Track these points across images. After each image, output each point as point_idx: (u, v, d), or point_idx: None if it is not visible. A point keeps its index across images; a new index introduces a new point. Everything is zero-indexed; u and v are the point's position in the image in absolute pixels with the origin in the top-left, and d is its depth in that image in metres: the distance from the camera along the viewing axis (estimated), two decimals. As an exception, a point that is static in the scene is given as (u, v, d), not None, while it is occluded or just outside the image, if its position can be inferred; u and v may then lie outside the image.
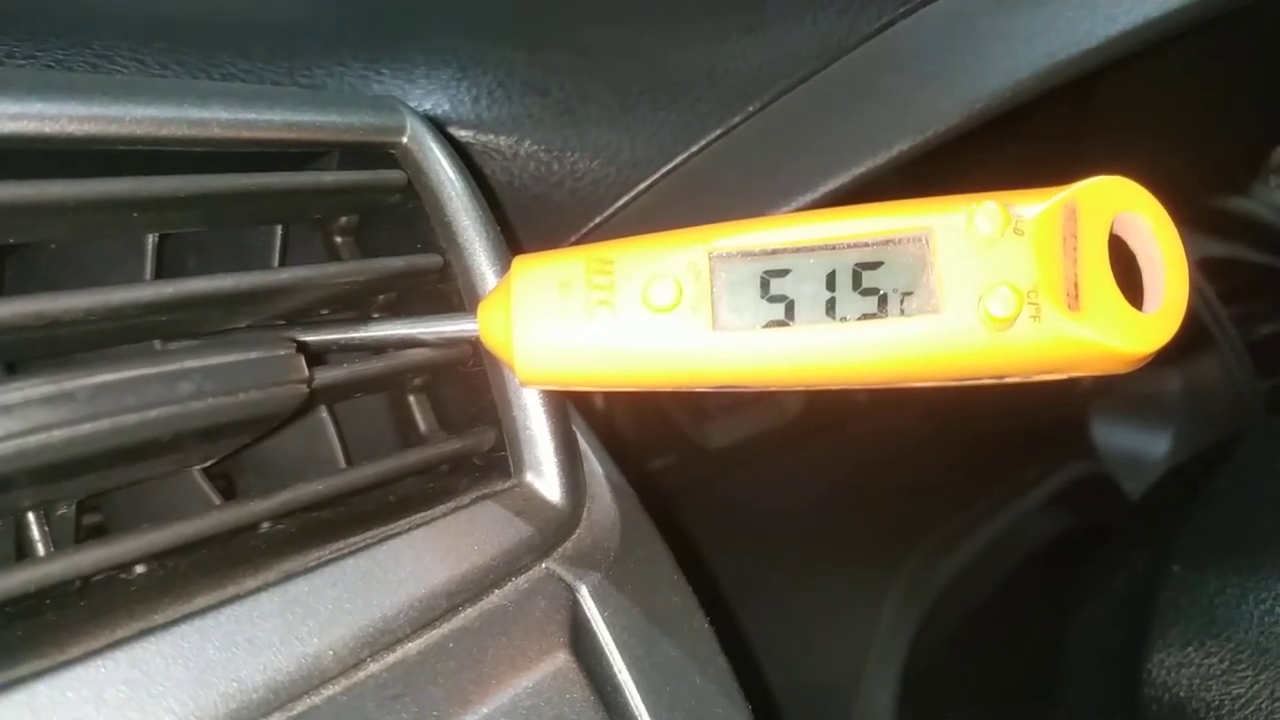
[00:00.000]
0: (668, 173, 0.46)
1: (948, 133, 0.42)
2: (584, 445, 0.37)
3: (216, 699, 0.24)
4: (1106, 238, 0.29)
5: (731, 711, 0.33)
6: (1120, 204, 0.30)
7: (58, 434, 0.21)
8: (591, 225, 0.47)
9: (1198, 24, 0.41)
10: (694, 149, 0.45)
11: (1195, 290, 1.10)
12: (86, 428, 0.22)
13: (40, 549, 0.28)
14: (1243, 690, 0.48)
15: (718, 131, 0.45)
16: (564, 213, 0.46)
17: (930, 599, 0.74)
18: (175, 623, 0.24)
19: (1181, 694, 0.48)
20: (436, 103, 0.44)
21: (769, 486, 0.87)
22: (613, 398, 0.73)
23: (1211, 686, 0.47)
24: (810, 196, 0.43)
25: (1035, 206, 0.29)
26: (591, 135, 0.46)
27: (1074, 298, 0.28)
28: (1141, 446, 1.04)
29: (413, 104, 0.43)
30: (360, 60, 0.43)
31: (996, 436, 0.94)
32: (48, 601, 0.26)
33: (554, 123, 0.46)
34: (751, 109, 0.45)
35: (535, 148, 0.46)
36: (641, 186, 0.46)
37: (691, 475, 0.86)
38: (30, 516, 0.27)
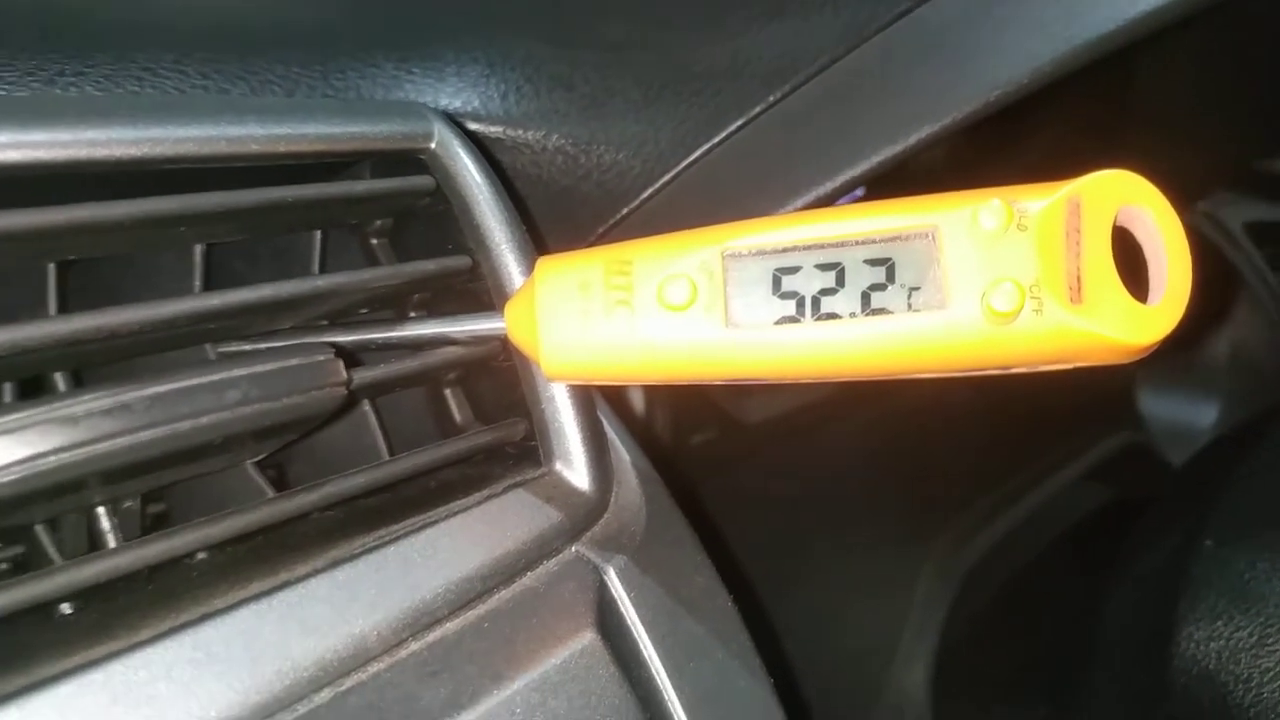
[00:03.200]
0: (691, 163, 0.47)
1: (965, 119, 0.42)
2: (611, 433, 0.38)
3: (272, 676, 0.26)
4: (1109, 231, 0.30)
5: (754, 685, 0.35)
6: (1124, 197, 0.30)
7: (120, 441, 0.24)
8: (618, 216, 0.48)
9: (1213, 5, 0.41)
10: (716, 140, 0.46)
11: (1244, 256, 1.08)
12: (144, 435, 0.24)
13: (111, 540, 0.30)
14: (1271, 664, 0.49)
15: (739, 122, 0.46)
16: (591, 204, 0.48)
17: (966, 572, 0.75)
18: (234, 607, 0.27)
19: (1211, 666, 0.49)
20: (466, 100, 0.46)
21: (807, 460, 0.89)
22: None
23: (1240, 659, 0.48)
24: (830, 185, 0.44)
25: (1039, 202, 0.30)
26: (617, 128, 0.47)
27: (1076, 291, 0.29)
28: (1188, 415, 1.03)
29: (444, 101, 0.45)
30: (392, 60, 0.44)
31: (1037, 409, 0.94)
32: (119, 584, 0.29)
33: (580, 117, 0.47)
34: (772, 99, 0.46)
35: (562, 141, 0.47)
36: (666, 178, 0.47)
37: (731, 450, 0.87)
38: (100, 510, 0.30)
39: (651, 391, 0.79)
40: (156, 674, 0.25)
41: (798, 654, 0.60)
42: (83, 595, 0.27)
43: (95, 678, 0.24)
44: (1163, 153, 0.97)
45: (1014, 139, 0.84)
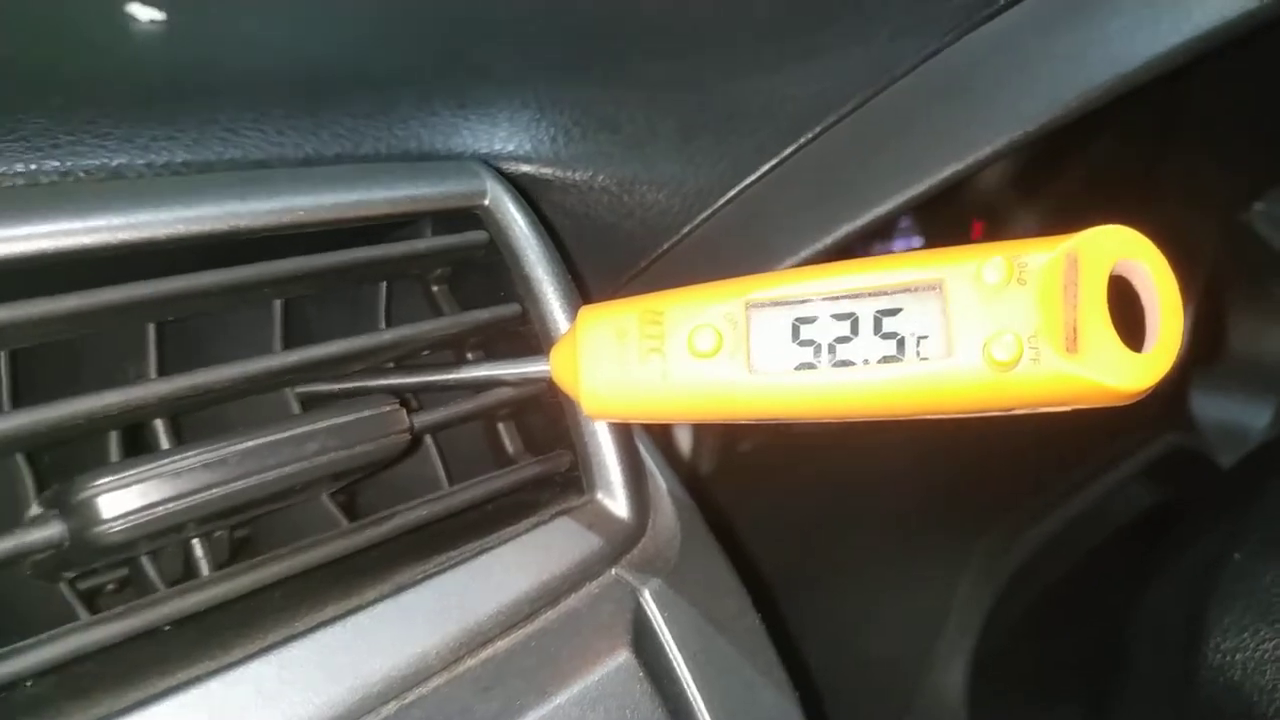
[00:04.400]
0: (728, 201, 0.50)
1: (989, 158, 0.44)
2: (649, 463, 0.42)
3: (344, 692, 0.30)
4: (1105, 284, 0.32)
5: (780, 700, 0.38)
6: (1121, 251, 0.33)
7: (216, 492, 0.28)
8: (659, 250, 0.51)
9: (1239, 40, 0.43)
10: (751, 178, 0.49)
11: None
12: (238, 485, 0.28)
13: (204, 566, 0.34)
14: (1298, 675, 0.50)
15: (774, 161, 0.49)
16: (635, 240, 0.51)
17: (1008, 576, 0.76)
18: (311, 630, 0.31)
19: (1236, 676, 0.50)
20: (519, 144, 0.49)
21: (855, 464, 0.91)
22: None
23: (1266, 671, 0.49)
24: (860, 223, 0.47)
25: (1039, 257, 0.32)
26: (658, 168, 0.50)
27: (1072, 340, 0.32)
28: (1242, 418, 1.03)
29: (497, 146, 0.48)
30: (449, 108, 0.48)
31: (1085, 412, 0.94)
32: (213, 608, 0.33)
33: (624, 157, 0.50)
34: (805, 139, 0.49)
35: (608, 181, 0.50)
36: (704, 215, 0.50)
37: (779, 455, 0.90)
38: (195, 541, 0.34)
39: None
40: (248, 691, 0.29)
41: (837, 654, 0.63)
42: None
43: (196, 693, 0.28)
44: (1207, 163, 0.97)
45: (1062, 158, 0.85)
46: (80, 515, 0.27)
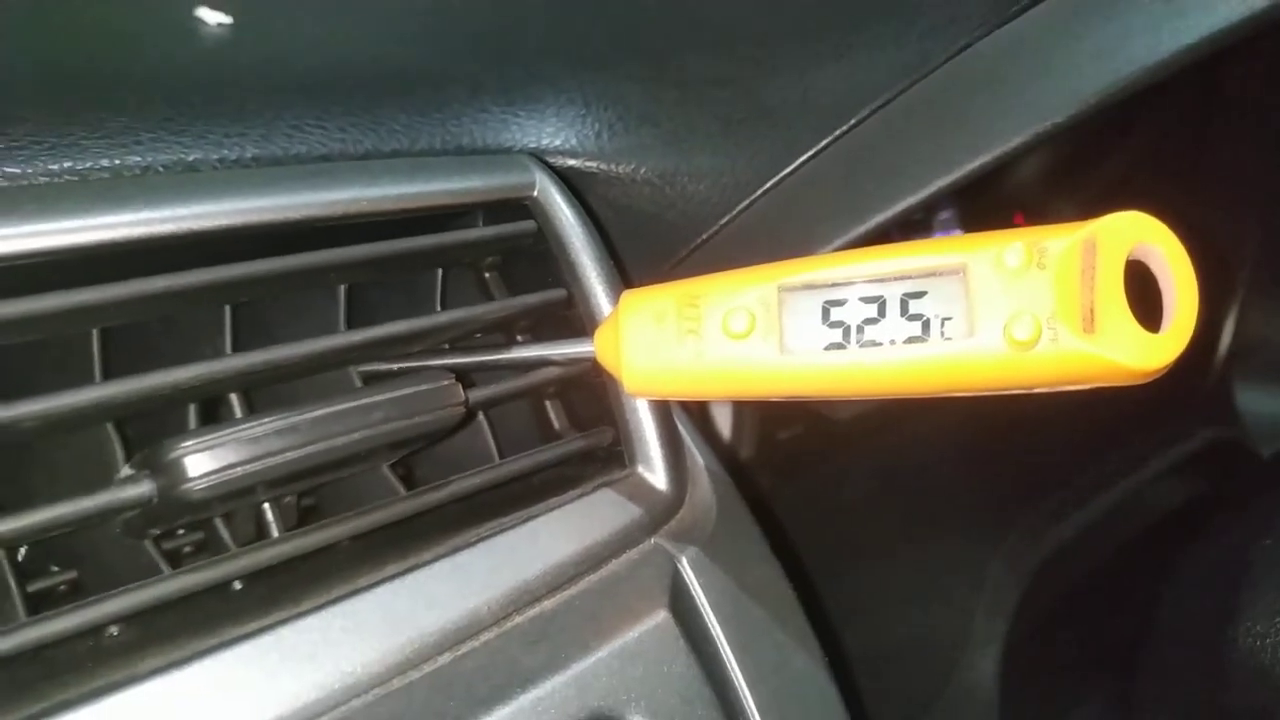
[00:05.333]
0: (764, 192, 0.52)
1: (1015, 150, 0.46)
2: (687, 440, 0.44)
3: (404, 643, 0.33)
4: (1122, 268, 0.34)
5: (810, 664, 0.40)
6: (1138, 236, 0.34)
7: (289, 456, 0.30)
8: (699, 240, 0.53)
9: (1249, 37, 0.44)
10: (786, 171, 0.51)
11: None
12: (310, 449, 0.31)
13: (274, 529, 0.37)
14: (1327, 658, 0.51)
15: (808, 154, 0.51)
16: (675, 230, 0.53)
17: (1041, 563, 0.77)
18: (374, 585, 0.33)
19: (1266, 661, 0.51)
20: (565, 138, 0.52)
21: (891, 453, 0.92)
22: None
23: (1295, 653, 0.50)
24: (891, 213, 0.48)
25: (1057, 242, 0.34)
26: (697, 161, 0.52)
27: (1089, 321, 0.33)
28: (1283, 411, 1.02)
29: (544, 141, 0.50)
30: (499, 104, 0.50)
31: (1126, 402, 0.95)
32: (280, 566, 0.36)
33: (665, 151, 0.52)
34: (839, 132, 0.50)
35: (649, 174, 0.52)
36: (741, 206, 0.52)
37: (816, 444, 0.91)
38: (266, 506, 0.37)
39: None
40: (316, 638, 0.32)
41: (868, 638, 0.64)
42: (251, 575, 0.34)
43: (268, 640, 0.31)
44: (1251, 156, 0.97)
45: (1102, 151, 0.85)
46: (169, 474, 0.30)
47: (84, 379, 0.34)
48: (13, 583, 0.31)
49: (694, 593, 0.38)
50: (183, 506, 0.31)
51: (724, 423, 0.85)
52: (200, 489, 0.30)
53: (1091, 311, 0.33)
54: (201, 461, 0.29)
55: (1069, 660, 0.77)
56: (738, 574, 0.40)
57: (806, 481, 0.88)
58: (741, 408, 0.85)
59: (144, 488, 0.30)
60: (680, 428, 0.44)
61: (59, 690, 0.29)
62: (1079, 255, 0.34)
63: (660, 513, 0.40)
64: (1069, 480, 0.87)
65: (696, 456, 0.44)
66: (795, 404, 0.98)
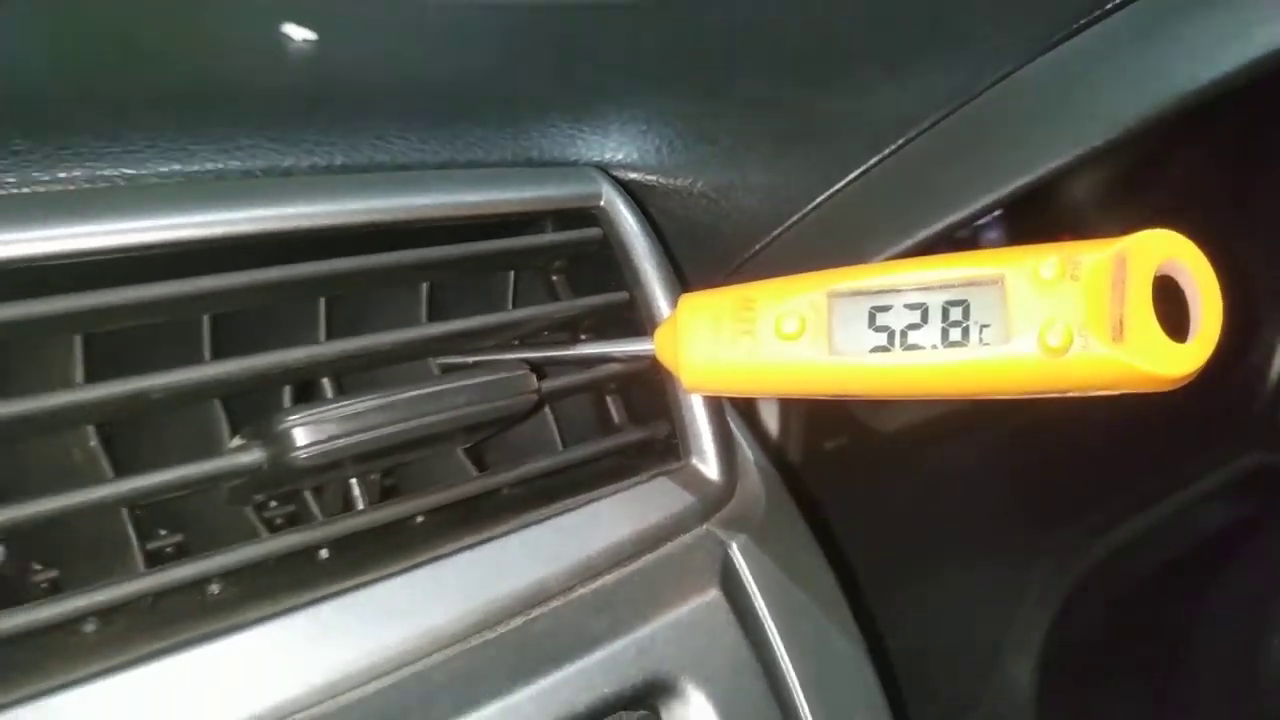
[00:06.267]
0: (815, 207, 0.55)
1: (1055, 171, 0.48)
2: (739, 436, 0.47)
3: (480, 605, 0.36)
4: (1150, 281, 0.36)
5: (851, 648, 0.42)
6: (1167, 253, 0.37)
7: (384, 430, 0.34)
8: (752, 251, 0.56)
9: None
10: (837, 187, 0.54)
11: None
12: (401, 426, 0.34)
13: (360, 503, 0.41)
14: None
15: (858, 171, 0.54)
16: (730, 241, 0.56)
17: (1082, 576, 0.79)
18: (452, 554, 0.37)
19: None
20: (627, 153, 0.55)
21: (935, 467, 0.94)
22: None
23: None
24: (936, 228, 0.51)
25: (1090, 256, 0.37)
26: (752, 177, 0.55)
27: (1119, 330, 0.36)
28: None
29: (608, 155, 0.54)
30: (566, 121, 0.54)
31: (1171, 427, 0.96)
32: (365, 536, 0.39)
33: (721, 166, 0.56)
34: (887, 151, 0.53)
35: (706, 188, 0.56)
36: (793, 219, 0.55)
37: (861, 456, 0.93)
38: (353, 482, 0.41)
39: (788, 402, 0.87)
40: (402, 598, 0.35)
41: (909, 639, 0.66)
42: (338, 545, 0.38)
43: (359, 597, 0.35)
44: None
45: (1149, 175, 0.87)
46: (278, 443, 0.33)
47: (196, 359, 0.38)
48: (134, 538, 0.35)
49: (743, 575, 0.41)
50: (287, 474, 0.34)
51: (771, 432, 0.87)
52: (305, 457, 0.33)
53: (1121, 321, 0.36)
54: (307, 432, 0.33)
55: (1105, 670, 0.79)
56: (784, 561, 0.43)
57: (850, 490, 0.90)
58: (788, 418, 0.87)
59: (255, 455, 0.34)
60: (732, 424, 0.47)
61: (173, 634, 0.33)
62: (1110, 269, 0.36)
63: (712, 502, 0.43)
64: (1113, 498, 0.88)
65: (746, 452, 0.47)
66: (841, 415, 1.00)
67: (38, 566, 0.38)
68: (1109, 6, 0.48)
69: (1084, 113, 0.49)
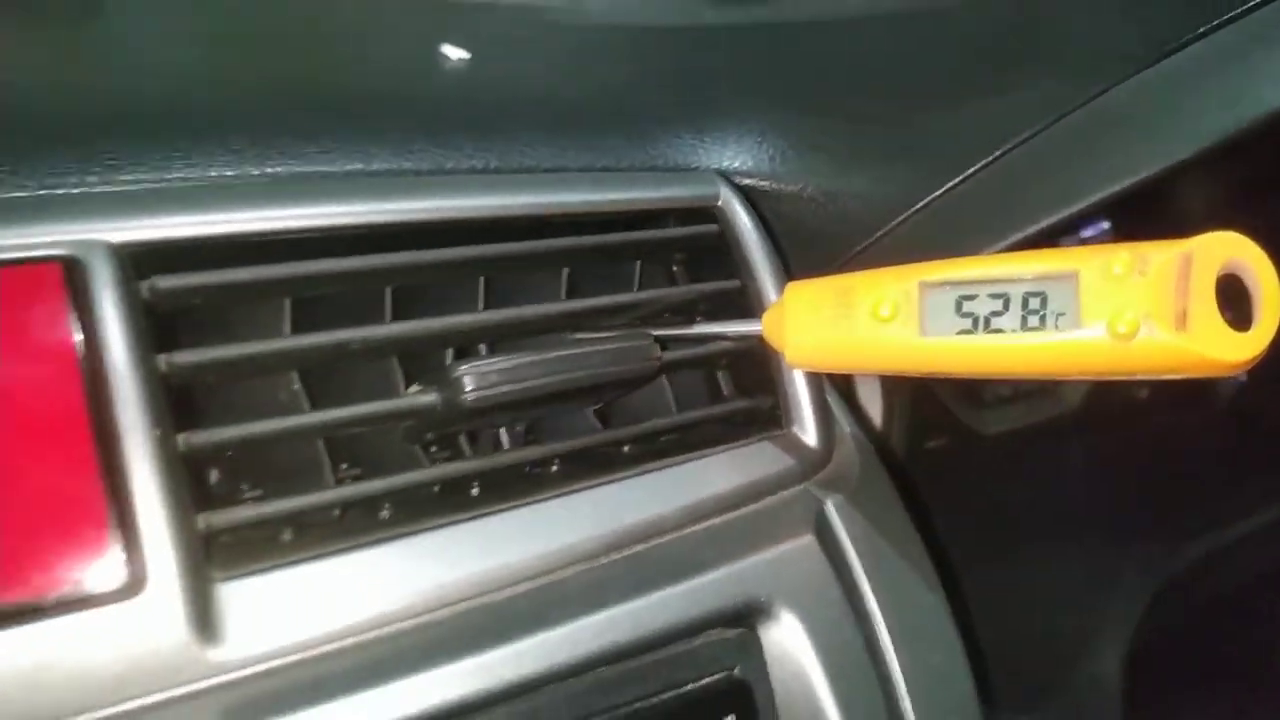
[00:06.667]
0: (914, 212, 0.60)
1: (1138, 184, 0.52)
2: (836, 411, 0.52)
3: (605, 534, 0.42)
4: (1214, 277, 0.40)
5: (931, 596, 0.47)
6: (1231, 252, 0.41)
7: (539, 381, 0.41)
8: (855, 250, 0.62)
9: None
10: (936, 194, 0.59)
11: None
12: (553, 378, 0.41)
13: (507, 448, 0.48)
14: None
15: (956, 180, 0.59)
16: (834, 242, 0.62)
17: (1174, 576, 0.80)
18: (581, 490, 0.43)
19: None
20: (744, 161, 0.61)
21: (1034, 464, 0.96)
22: (891, 389, 0.87)
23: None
24: (1026, 233, 0.55)
25: (1158, 255, 0.41)
26: (857, 184, 0.61)
27: (1182, 320, 0.40)
28: None
29: (725, 163, 0.60)
30: (689, 132, 0.60)
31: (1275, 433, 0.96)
32: (509, 473, 0.46)
33: (829, 174, 0.61)
34: (984, 161, 0.58)
35: (815, 193, 0.61)
36: (894, 222, 0.60)
37: (961, 457, 0.97)
38: (501, 430, 0.48)
39: (890, 401, 0.91)
40: (542, 522, 0.42)
41: (998, 623, 0.70)
42: (486, 483, 0.45)
43: (508, 517, 0.42)
44: None
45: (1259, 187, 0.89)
46: (450, 388, 0.40)
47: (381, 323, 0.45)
48: (327, 463, 0.43)
49: (836, 528, 0.46)
50: (455, 415, 0.41)
51: (876, 427, 0.91)
52: (471, 400, 0.40)
53: (1185, 312, 0.40)
54: (475, 379, 0.40)
55: (1192, 669, 0.80)
56: (875, 521, 0.48)
57: (949, 480, 0.93)
58: (890, 418, 0.92)
59: (431, 397, 0.41)
60: (830, 400, 0.52)
61: (354, 537, 0.40)
62: (1176, 265, 0.41)
63: (810, 465, 0.49)
64: (1213, 502, 0.89)
65: (844, 426, 0.52)
66: (944, 414, 1.04)
67: (245, 487, 0.46)
68: (1195, 34, 0.52)
69: (1172, 126, 0.52)
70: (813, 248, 0.62)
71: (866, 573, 0.45)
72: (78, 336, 0.35)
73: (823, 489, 0.48)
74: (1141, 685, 0.76)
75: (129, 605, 0.34)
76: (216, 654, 0.35)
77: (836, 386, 0.57)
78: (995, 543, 0.83)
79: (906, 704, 0.43)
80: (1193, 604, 0.83)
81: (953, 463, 0.94)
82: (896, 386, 0.87)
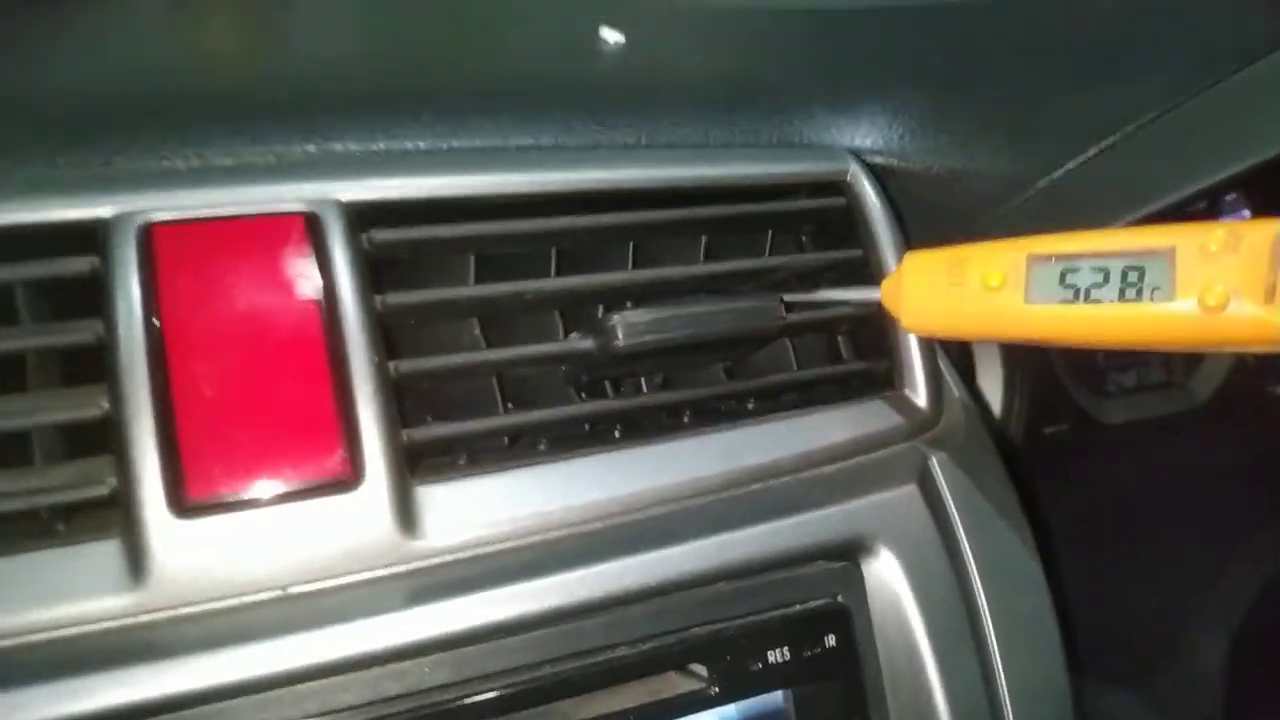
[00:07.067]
0: (1035, 191, 0.63)
1: (1250, 168, 0.55)
2: (948, 378, 0.57)
3: (728, 470, 0.49)
4: (1305, 256, 0.43)
5: (1025, 553, 0.52)
6: (1324, 235, 0.43)
7: (680, 332, 0.47)
8: (977, 226, 0.66)
9: None
10: (1056, 175, 0.62)
11: None
12: (692, 330, 0.48)
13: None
14: None
15: (1075, 161, 0.62)
16: (957, 217, 0.66)
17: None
18: (708, 434, 0.50)
19: None
20: (874, 140, 0.66)
21: (1150, 457, 0.97)
22: (1013, 372, 0.90)
23: None
24: (1141, 212, 0.58)
25: (1253, 233, 0.44)
26: (980, 163, 0.65)
27: (1272, 295, 0.43)
28: None
29: (858, 141, 0.65)
30: (825, 112, 0.65)
31: None
32: (645, 413, 0.52)
33: (955, 153, 0.65)
34: (1104, 144, 0.61)
35: (940, 171, 0.65)
36: (1015, 201, 0.64)
37: (1079, 443, 0.98)
38: (642, 380, 0.55)
39: (1014, 381, 0.94)
40: (674, 458, 0.49)
41: (1100, 603, 0.73)
42: (627, 426, 0.51)
43: (644, 450, 0.49)
44: None
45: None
46: (605, 335, 0.47)
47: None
48: (499, 397, 0.51)
49: (939, 481, 0.51)
50: (608, 359, 0.48)
51: (996, 413, 0.95)
52: (623, 345, 0.47)
53: (1275, 287, 0.43)
54: (626, 328, 0.47)
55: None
56: (976, 480, 0.52)
57: (1064, 471, 0.96)
58: (1011, 402, 0.94)
59: (588, 343, 0.48)
60: (944, 371, 0.57)
61: (518, 460, 0.48)
62: (1269, 244, 0.44)
63: (918, 424, 0.54)
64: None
65: (954, 392, 0.57)
66: (1065, 401, 1.06)
67: (429, 417, 0.54)
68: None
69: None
70: (934, 223, 0.66)
71: (964, 523, 0.50)
72: (316, 277, 0.44)
73: (929, 446, 0.53)
74: (1243, 670, 0.77)
75: (348, 497, 0.42)
76: (414, 543, 0.43)
77: (952, 358, 0.62)
78: (1104, 524, 0.85)
79: (992, 639, 0.48)
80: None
81: (1072, 449, 0.96)
82: (1020, 373, 0.90)
